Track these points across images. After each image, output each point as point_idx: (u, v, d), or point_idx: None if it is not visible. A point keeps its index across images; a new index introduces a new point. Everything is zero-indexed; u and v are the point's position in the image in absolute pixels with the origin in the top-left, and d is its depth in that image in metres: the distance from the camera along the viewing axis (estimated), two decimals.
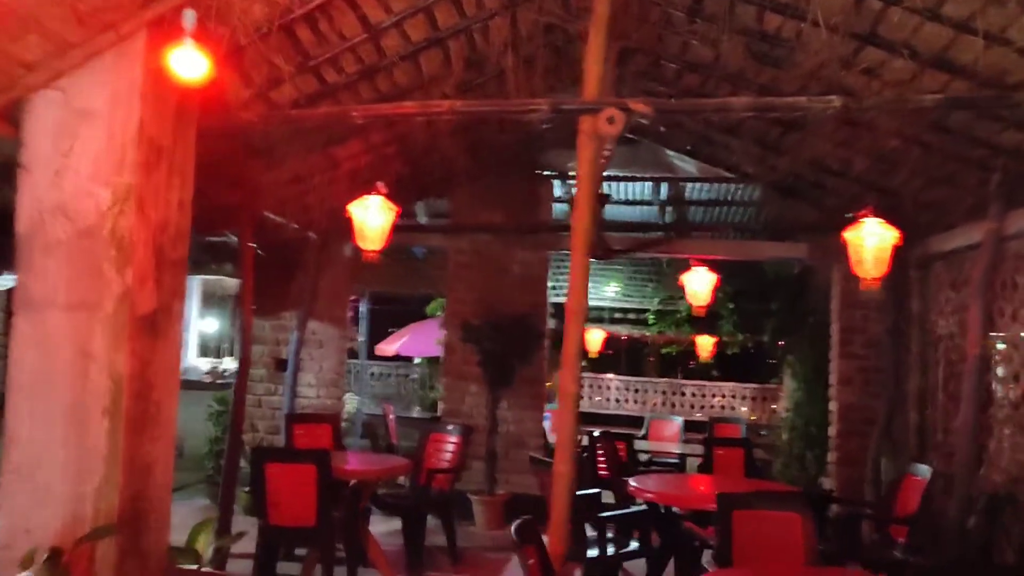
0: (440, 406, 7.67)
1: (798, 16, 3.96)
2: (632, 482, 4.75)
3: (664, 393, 14.44)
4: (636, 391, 14.57)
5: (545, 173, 7.58)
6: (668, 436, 9.23)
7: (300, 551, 5.08)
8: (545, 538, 3.26)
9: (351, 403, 9.90)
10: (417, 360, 14.11)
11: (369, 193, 4.73)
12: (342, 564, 4.77)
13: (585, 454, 6.16)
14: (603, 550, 4.44)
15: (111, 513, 2.94)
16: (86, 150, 3.06)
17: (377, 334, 12.93)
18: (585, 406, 10.30)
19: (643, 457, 7.87)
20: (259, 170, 5.01)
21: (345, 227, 4.87)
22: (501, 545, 6.19)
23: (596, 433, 6.56)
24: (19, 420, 3.04)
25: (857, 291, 4.70)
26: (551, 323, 8.58)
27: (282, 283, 6.82)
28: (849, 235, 4.56)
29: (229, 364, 14.72)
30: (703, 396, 14.25)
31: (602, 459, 6.22)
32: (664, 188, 8.41)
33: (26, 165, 3.11)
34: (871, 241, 4.50)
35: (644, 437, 9.18)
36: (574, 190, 8.26)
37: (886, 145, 4.84)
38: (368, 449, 9.04)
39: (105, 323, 3.00)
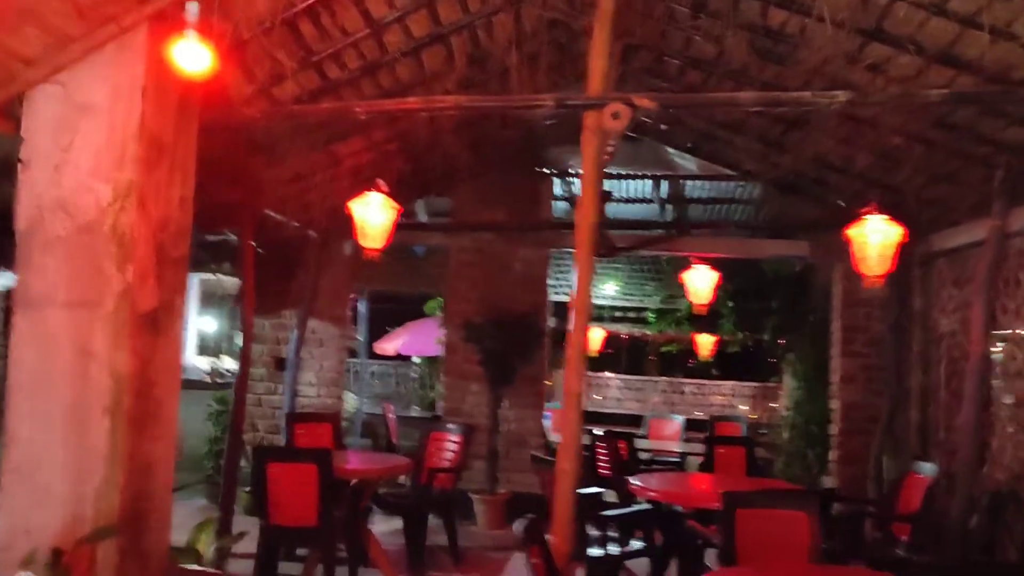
0: (440, 405, 7.65)
1: (803, 12, 3.94)
2: (635, 481, 4.73)
3: (664, 392, 14.42)
4: (636, 390, 14.55)
5: (545, 171, 7.56)
6: (668, 435, 9.21)
7: (301, 551, 5.05)
8: (549, 537, 3.24)
9: (351, 402, 9.87)
10: (416, 359, 14.07)
11: (370, 190, 4.71)
12: (343, 564, 4.76)
13: (585, 453, 6.13)
14: (605, 549, 4.42)
15: (112, 513, 2.91)
16: (86, 145, 3.03)
17: (376, 333, 12.89)
18: (585, 405, 10.24)
19: (644, 456, 7.84)
20: (260, 167, 4.98)
21: (346, 225, 4.84)
22: (502, 544, 6.17)
23: (600, 433, 6.54)
24: (19, 420, 3.01)
25: (859, 289, 4.69)
26: (550, 321, 8.56)
27: (282, 281, 6.79)
28: (852, 232, 4.55)
29: (228, 363, 14.68)
30: (703, 395, 14.23)
31: (602, 458, 6.20)
32: (665, 186, 8.40)
33: (25, 161, 3.07)
34: (875, 238, 4.48)
35: (644, 436, 9.16)
36: (574, 188, 8.28)
37: (889, 142, 4.83)
38: (369, 448, 9.02)
39: (106, 321, 2.97)
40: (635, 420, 10.97)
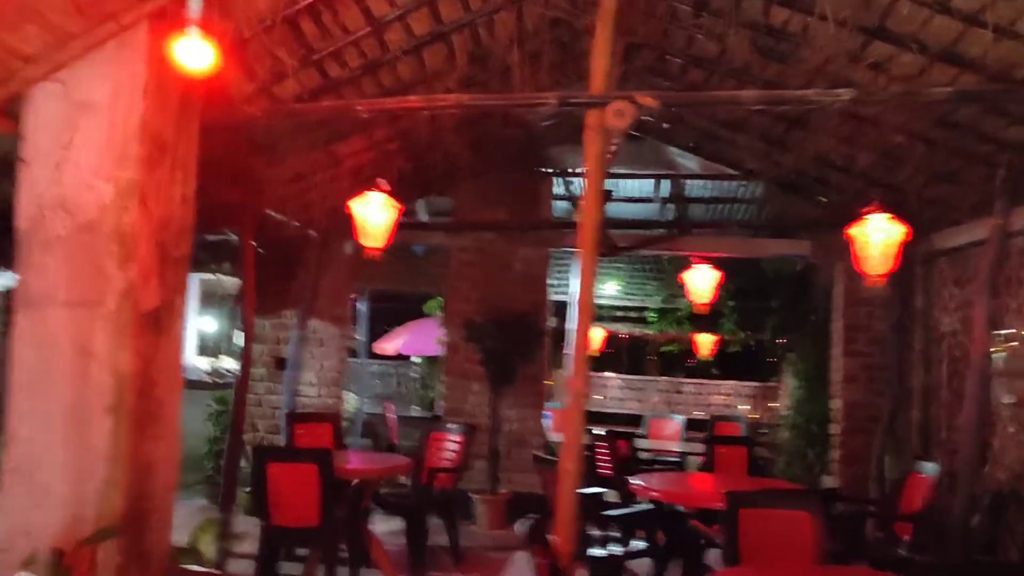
0: (441, 405, 7.63)
1: (805, 10, 3.93)
2: (636, 481, 4.72)
3: (664, 392, 14.40)
4: (636, 390, 14.53)
5: (546, 170, 7.55)
6: (668, 435, 9.20)
7: (302, 551, 5.04)
8: (552, 537, 3.23)
9: (352, 402, 9.85)
10: (416, 359, 14.05)
11: (371, 190, 4.69)
12: (345, 564, 4.74)
13: (585, 453, 6.12)
14: (607, 549, 4.41)
15: (113, 514, 2.90)
16: (87, 143, 3.02)
17: (376, 333, 12.87)
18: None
19: (644, 456, 7.83)
20: (261, 167, 4.96)
21: (346, 225, 4.83)
22: (503, 544, 6.15)
23: (600, 432, 6.52)
24: (19, 419, 3.00)
25: (860, 288, 4.68)
26: (551, 321, 8.54)
27: (283, 281, 6.78)
28: (854, 231, 4.54)
29: (228, 363, 14.66)
30: (703, 394, 14.21)
31: (602, 458, 6.19)
32: (666, 185, 8.38)
33: (25, 159, 3.06)
34: (877, 237, 4.47)
35: (644, 436, 9.14)
36: (575, 187, 8.26)
37: (891, 141, 4.82)
38: (369, 448, 9.00)
39: (107, 320, 2.95)
40: (635, 420, 10.95)
